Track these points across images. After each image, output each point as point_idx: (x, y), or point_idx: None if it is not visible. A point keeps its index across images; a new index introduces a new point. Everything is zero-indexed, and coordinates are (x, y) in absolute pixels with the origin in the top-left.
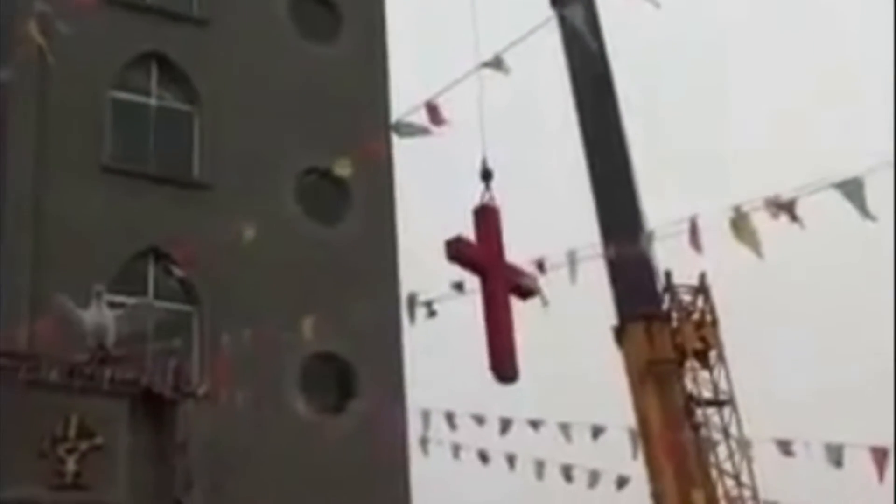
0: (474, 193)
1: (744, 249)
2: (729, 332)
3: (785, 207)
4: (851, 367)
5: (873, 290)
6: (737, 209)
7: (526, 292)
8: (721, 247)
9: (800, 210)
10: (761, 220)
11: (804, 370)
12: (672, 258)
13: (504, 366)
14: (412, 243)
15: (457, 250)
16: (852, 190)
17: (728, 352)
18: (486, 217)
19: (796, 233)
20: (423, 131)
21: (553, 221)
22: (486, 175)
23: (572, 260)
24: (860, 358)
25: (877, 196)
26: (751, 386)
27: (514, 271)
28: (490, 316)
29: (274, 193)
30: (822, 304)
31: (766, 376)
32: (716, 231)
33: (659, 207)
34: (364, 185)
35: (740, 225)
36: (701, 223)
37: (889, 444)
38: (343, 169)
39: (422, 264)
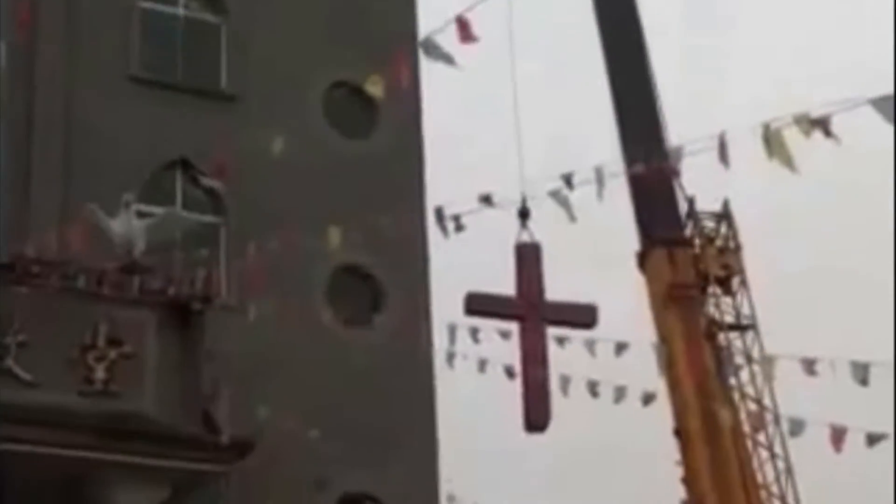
0: (499, 105)
1: (771, 169)
2: (754, 253)
3: (818, 124)
4: (879, 286)
5: None
6: (766, 126)
7: (582, 325)
8: (749, 166)
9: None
10: (792, 138)
11: (830, 289)
12: (700, 181)
13: (537, 418)
14: (440, 156)
15: (479, 304)
16: (885, 107)
17: (751, 274)
18: (527, 255)
19: (824, 152)
20: (449, 59)
21: (582, 137)
22: (524, 214)
23: (600, 176)
24: (888, 278)
25: None
26: (776, 307)
27: (561, 308)
28: (526, 366)
29: (301, 106)
30: (847, 222)
31: (791, 297)
32: (745, 148)
33: (688, 126)
34: (392, 99)
35: (772, 140)
36: (730, 140)
37: None
38: (374, 86)
39: (451, 178)
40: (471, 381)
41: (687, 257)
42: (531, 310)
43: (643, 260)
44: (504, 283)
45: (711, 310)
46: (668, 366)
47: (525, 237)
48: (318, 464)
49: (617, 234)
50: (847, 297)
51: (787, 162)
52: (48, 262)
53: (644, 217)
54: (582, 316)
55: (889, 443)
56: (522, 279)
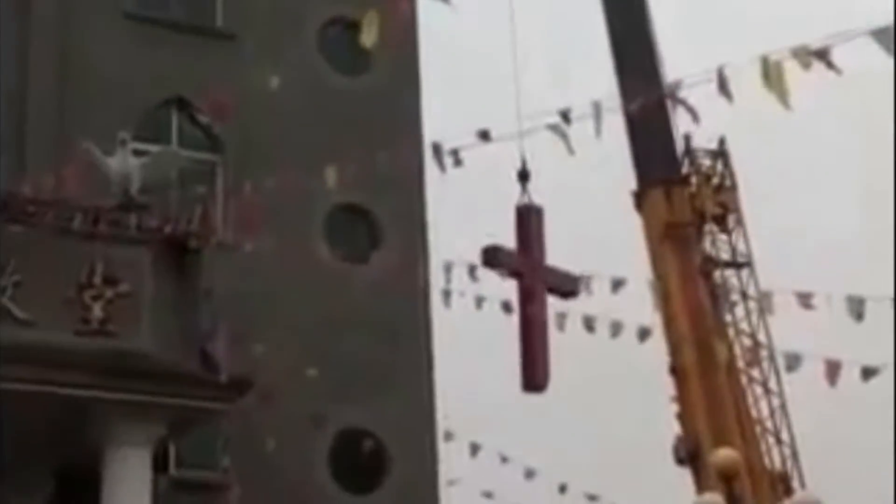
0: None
1: (768, 104)
2: (751, 190)
3: (818, 55)
4: (876, 220)
5: None
6: (765, 59)
7: (566, 293)
8: (746, 101)
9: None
10: (791, 70)
11: (828, 224)
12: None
13: (535, 379)
14: (437, 93)
15: (495, 258)
16: (885, 38)
17: (748, 209)
18: (529, 219)
19: (823, 85)
20: None
21: (583, 72)
22: (524, 176)
23: (597, 111)
24: (885, 211)
25: None
26: (772, 242)
27: (555, 274)
28: (525, 326)
29: (298, 43)
30: (845, 156)
31: (788, 231)
32: (742, 82)
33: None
34: (388, 35)
35: (771, 73)
36: (727, 75)
37: None
38: (368, 29)
39: (447, 115)
40: (468, 319)
41: (683, 196)
42: (533, 272)
43: (640, 199)
44: (500, 220)
45: (708, 247)
46: (664, 303)
47: (526, 199)
48: (315, 401)
49: (613, 169)
50: (844, 233)
51: (783, 97)
52: (44, 201)
53: (640, 156)
54: (567, 284)
55: (883, 377)
56: (523, 241)
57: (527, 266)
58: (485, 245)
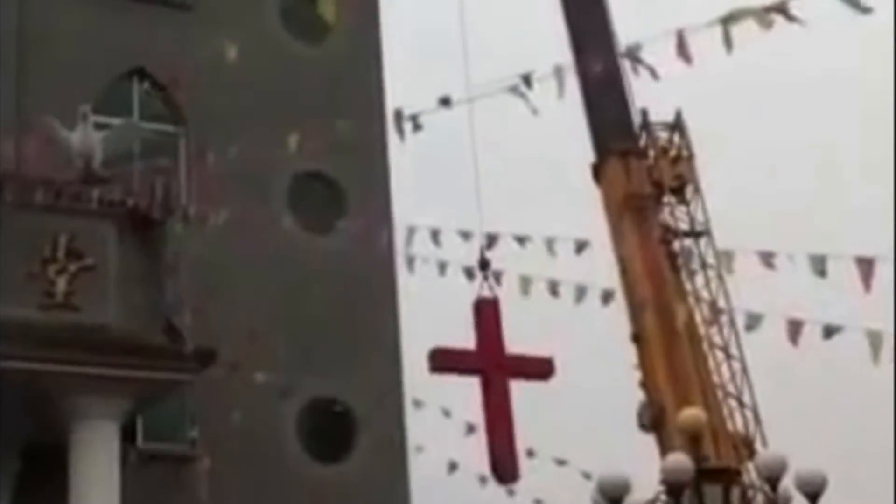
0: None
1: (726, 65)
2: (710, 155)
3: (777, 10)
4: (838, 180)
5: (865, 97)
6: (726, 18)
7: (538, 377)
8: (703, 67)
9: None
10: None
11: (790, 186)
12: (652, 84)
13: (505, 471)
14: (398, 60)
15: (441, 361)
16: None
17: (708, 171)
18: (485, 311)
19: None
20: None
21: (541, 35)
22: (484, 265)
23: (559, 74)
24: (845, 170)
25: None
26: (732, 205)
27: (521, 361)
28: (490, 420)
29: (257, 12)
30: (802, 115)
31: (750, 192)
32: (699, 48)
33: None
34: (349, 1)
35: (731, 25)
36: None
37: (875, 254)
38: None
39: (409, 82)
40: (433, 284)
41: (641, 168)
42: (492, 366)
43: (598, 171)
44: (458, 187)
45: (667, 218)
46: (624, 272)
47: (486, 291)
48: (282, 371)
49: (574, 137)
50: (806, 190)
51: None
52: (5, 176)
53: (597, 127)
54: (538, 368)
55: (844, 335)
56: (482, 335)
57: (487, 360)
58: (431, 349)
